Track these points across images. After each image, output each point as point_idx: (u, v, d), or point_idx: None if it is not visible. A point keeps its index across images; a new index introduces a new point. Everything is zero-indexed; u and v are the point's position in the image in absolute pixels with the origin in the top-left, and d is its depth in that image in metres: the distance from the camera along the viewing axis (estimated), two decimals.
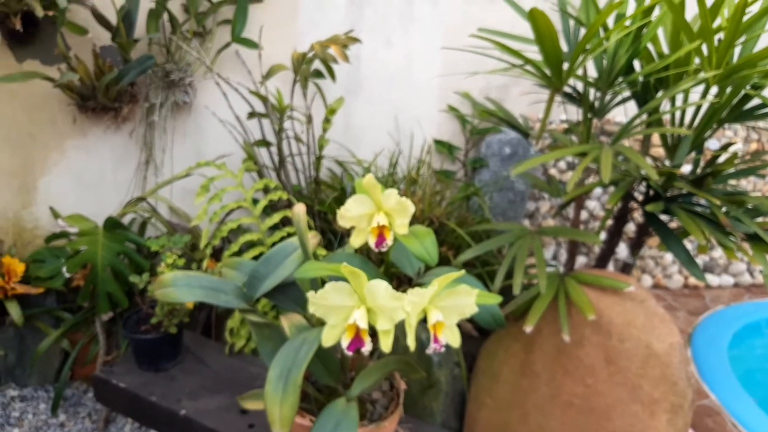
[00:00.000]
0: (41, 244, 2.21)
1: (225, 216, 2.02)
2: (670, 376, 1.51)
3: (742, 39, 1.63)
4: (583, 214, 2.60)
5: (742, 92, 1.63)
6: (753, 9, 1.53)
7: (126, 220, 2.19)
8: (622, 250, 2.55)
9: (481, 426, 1.76)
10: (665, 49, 1.70)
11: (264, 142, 2.08)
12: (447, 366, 1.82)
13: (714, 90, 1.61)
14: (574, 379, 1.60)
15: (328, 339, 1.03)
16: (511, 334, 1.75)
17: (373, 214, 1.16)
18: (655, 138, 2.40)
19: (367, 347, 1.00)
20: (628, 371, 1.53)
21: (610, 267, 2.51)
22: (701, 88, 1.63)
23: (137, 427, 2.03)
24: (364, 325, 0.99)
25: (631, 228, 2.55)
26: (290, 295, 1.26)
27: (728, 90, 1.60)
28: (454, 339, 1.07)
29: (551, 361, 1.64)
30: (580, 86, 1.80)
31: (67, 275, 2.00)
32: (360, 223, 1.17)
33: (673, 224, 1.80)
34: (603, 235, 2.06)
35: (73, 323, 2.08)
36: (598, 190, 2.58)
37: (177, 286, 1.21)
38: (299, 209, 1.22)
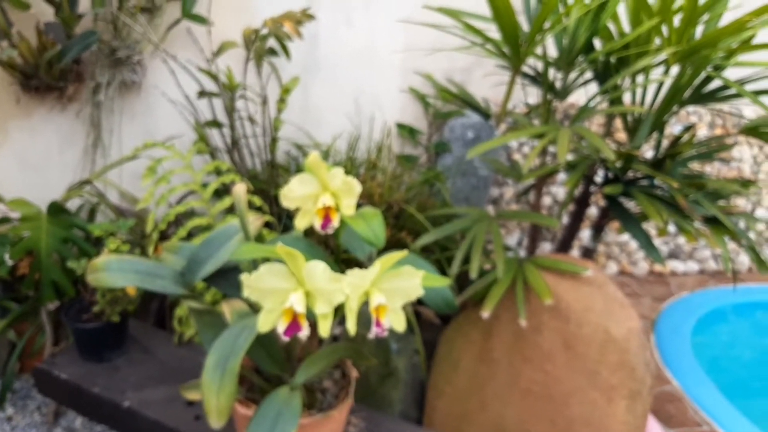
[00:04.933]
0: None
1: (179, 201, 1.95)
2: (628, 362, 1.48)
3: (705, 18, 1.60)
4: (548, 200, 2.57)
5: (704, 74, 1.60)
6: None
7: (75, 205, 2.10)
8: (586, 237, 2.53)
9: (439, 415, 1.72)
10: (626, 29, 1.66)
11: (215, 123, 2.00)
12: (406, 354, 1.78)
13: (675, 71, 1.58)
14: (532, 365, 1.56)
15: (264, 324, 0.97)
16: (470, 321, 1.71)
17: (319, 194, 1.10)
18: (619, 123, 2.37)
19: (304, 332, 0.95)
20: (586, 357, 1.50)
21: (575, 252, 2.49)
22: (662, 71, 1.60)
23: (89, 420, 1.96)
24: (301, 309, 0.94)
25: (594, 213, 2.53)
26: (232, 280, 1.19)
27: (689, 71, 1.57)
28: (399, 323, 1.02)
29: (510, 348, 1.60)
30: (541, 67, 1.77)
31: (10, 262, 1.91)
32: (305, 204, 1.12)
33: (637, 210, 1.77)
34: (565, 219, 2.03)
35: (19, 313, 1.99)
36: (562, 176, 2.55)
37: (110, 271, 1.14)
38: (239, 189, 1.16)
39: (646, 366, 1.51)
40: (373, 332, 0.97)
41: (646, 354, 1.52)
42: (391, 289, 0.99)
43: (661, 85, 1.67)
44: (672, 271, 2.71)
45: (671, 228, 2.66)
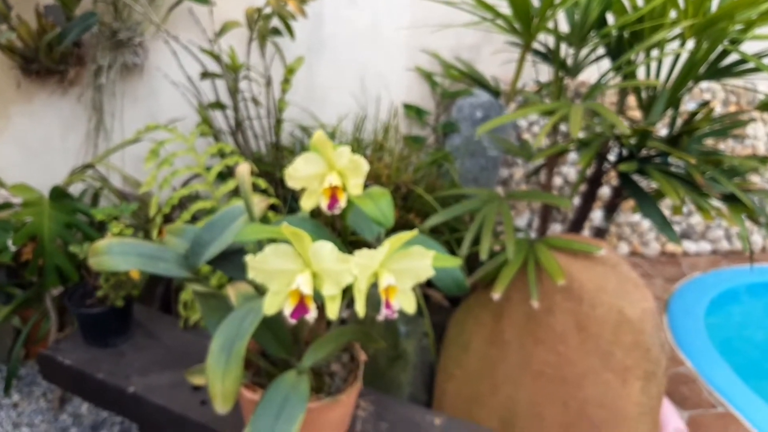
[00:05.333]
0: None
1: (183, 184, 1.92)
2: (643, 343, 1.45)
3: None
4: (558, 181, 2.53)
5: (720, 47, 1.55)
6: None
7: (78, 190, 2.08)
8: (597, 217, 2.49)
9: (449, 398, 1.70)
10: (640, 3, 1.62)
11: (218, 104, 1.96)
12: (415, 337, 1.75)
13: (690, 46, 1.53)
14: (545, 347, 1.53)
15: (270, 306, 0.94)
16: (480, 303, 1.68)
17: (325, 174, 1.06)
18: (632, 101, 2.32)
19: (311, 314, 0.92)
20: (599, 338, 1.47)
21: (586, 233, 2.45)
22: (677, 46, 1.55)
23: (94, 405, 1.95)
24: (308, 290, 0.91)
25: (606, 193, 2.48)
26: (237, 262, 1.16)
27: (705, 45, 1.52)
28: (409, 304, 0.99)
29: (521, 330, 1.57)
30: (552, 44, 1.72)
31: (13, 248, 1.89)
32: (311, 184, 1.08)
33: (650, 189, 1.73)
34: (576, 200, 1.99)
35: (23, 299, 1.98)
36: (573, 156, 2.51)
37: (111, 254, 1.11)
38: (243, 169, 1.12)
39: (661, 347, 1.48)
40: (383, 314, 0.94)
41: (661, 335, 1.49)
42: (401, 270, 0.96)
43: (676, 60, 1.62)
44: (684, 252, 2.67)
45: (683, 207, 2.61)
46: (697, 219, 2.68)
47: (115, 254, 1.11)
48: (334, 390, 1.19)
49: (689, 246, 2.66)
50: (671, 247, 2.64)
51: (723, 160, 1.55)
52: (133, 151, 2.06)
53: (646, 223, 2.62)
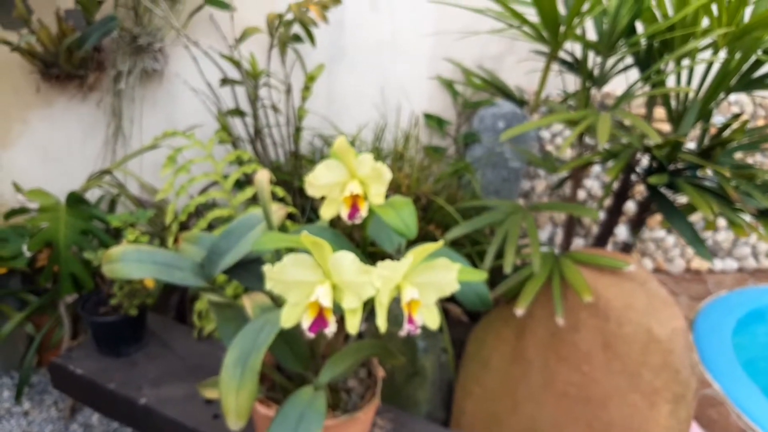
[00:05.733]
0: (4, 222, 2.08)
1: (201, 192, 1.90)
2: (672, 364, 1.39)
3: None
4: (582, 195, 2.47)
5: (753, 57, 1.50)
6: None
7: (95, 196, 2.06)
8: (621, 233, 2.43)
9: (468, 416, 1.65)
10: (671, 11, 1.57)
11: (238, 111, 1.93)
12: (433, 352, 1.70)
13: (722, 56, 1.48)
14: (568, 366, 1.48)
15: (288, 319, 0.90)
16: (501, 319, 1.63)
17: (346, 182, 1.02)
18: (659, 114, 2.27)
19: (331, 328, 0.88)
20: (627, 358, 1.41)
21: (609, 248, 2.39)
22: (708, 56, 1.51)
23: (105, 416, 1.91)
24: (327, 303, 0.87)
25: (630, 208, 2.42)
26: (254, 272, 1.13)
27: (737, 55, 1.47)
28: (432, 320, 0.94)
29: (544, 347, 1.52)
30: (579, 52, 1.68)
31: (28, 254, 1.87)
32: (331, 192, 1.04)
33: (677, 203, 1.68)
34: (601, 215, 1.93)
35: (37, 306, 1.96)
36: (596, 168, 2.45)
37: (126, 261, 1.08)
38: (262, 176, 1.09)
39: (691, 368, 1.42)
40: (405, 330, 0.90)
41: (692, 355, 1.43)
42: (425, 283, 0.92)
43: (707, 71, 1.57)
44: (710, 269, 2.59)
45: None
46: (723, 236, 2.61)
47: (130, 262, 1.08)
48: (351, 407, 1.15)
49: (715, 263, 2.59)
50: (696, 264, 2.56)
51: (756, 174, 1.49)
52: (150, 158, 2.04)
53: (670, 240, 2.55)
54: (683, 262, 2.56)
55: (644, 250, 2.54)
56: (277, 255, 1.08)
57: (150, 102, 2.04)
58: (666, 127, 1.92)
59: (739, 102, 2.57)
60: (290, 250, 0.98)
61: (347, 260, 0.87)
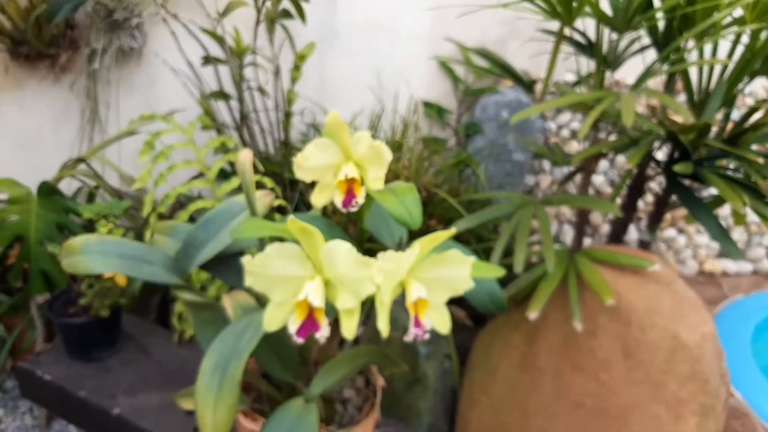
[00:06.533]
0: None
1: (186, 183, 1.76)
2: (700, 373, 1.26)
3: None
4: (589, 191, 2.35)
5: None
6: None
7: (72, 188, 1.92)
8: (631, 232, 2.30)
9: (473, 427, 1.52)
10: None
11: (222, 94, 1.79)
12: (436, 359, 1.58)
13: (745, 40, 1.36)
14: (585, 375, 1.35)
15: (271, 321, 0.77)
16: (510, 323, 1.50)
17: (340, 164, 0.89)
18: (679, 98, 2.15)
19: (323, 332, 0.74)
20: (650, 366, 1.28)
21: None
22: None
23: (76, 427, 1.78)
24: (318, 302, 0.73)
25: (641, 205, 2.30)
26: (235, 267, 0.98)
27: (763, 35, 1.35)
28: (443, 323, 0.80)
29: (558, 355, 1.39)
30: (591, 32, 1.56)
31: None
32: (323, 176, 0.91)
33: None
34: None
35: (8, 307, 1.82)
36: (604, 164, 2.33)
37: (87, 254, 0.94)
38: (245, 156, 0.95)
39: (720, 378, 1.30)
40: (411, 334, 0.76)
41: (722, 364, 1.30)
42: (433, 279, 0.78)
43: (732, 51, 1.45)
44: (723, 272, 2.47)
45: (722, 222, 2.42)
46: (736, 236, 2.49)
47: (92, 254, 0.95)
48: (348, 421, 1.03)
49: (729, 266, 2.47)
50: (709, 266, 2.44)
51: None
52: (130, 147, 1.90)
53: (681, 240, 2.43)
54: (696, 264, 2.44)
55: (655, 250, 2.42)
56: (262, 247, 0.95)
57: (127, 84, 1.89)
58: (680, 120, 1.80)
59: (753, 93, 2.46)
60: (277, 240, 0.85)
61: (342, 250, 0.73)
